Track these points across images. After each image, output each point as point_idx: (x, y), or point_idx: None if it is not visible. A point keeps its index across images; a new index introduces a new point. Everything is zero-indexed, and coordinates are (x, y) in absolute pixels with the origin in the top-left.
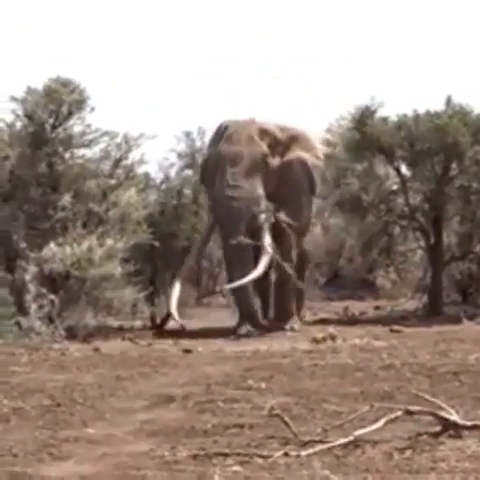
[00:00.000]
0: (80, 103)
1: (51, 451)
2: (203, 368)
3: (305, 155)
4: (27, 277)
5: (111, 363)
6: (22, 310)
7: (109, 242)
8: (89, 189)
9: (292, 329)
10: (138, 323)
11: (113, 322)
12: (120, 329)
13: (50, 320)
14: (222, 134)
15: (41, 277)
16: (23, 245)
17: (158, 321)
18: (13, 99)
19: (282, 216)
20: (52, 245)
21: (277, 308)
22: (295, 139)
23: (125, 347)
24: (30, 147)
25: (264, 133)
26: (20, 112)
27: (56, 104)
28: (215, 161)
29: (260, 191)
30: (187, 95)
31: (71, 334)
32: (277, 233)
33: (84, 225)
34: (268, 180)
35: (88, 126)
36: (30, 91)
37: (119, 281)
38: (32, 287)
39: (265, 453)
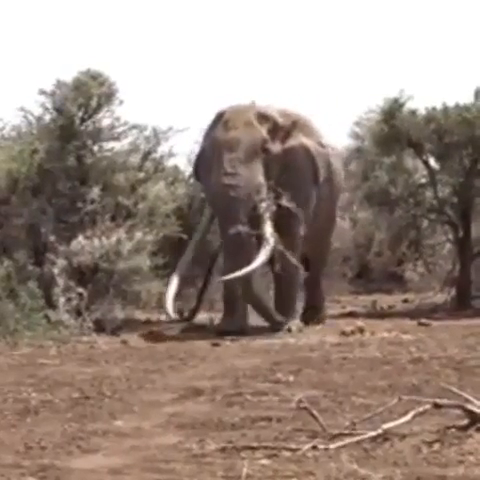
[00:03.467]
0: (109, 96)
1: (79, 444)
2: (231, 361)
3: (308, 141)
4: (55, 270)
5: (139, 356)
6: (50, 303)
7: (138, 235)
8: (118, 182)
9: (289, 330)
10: (165, 316)
11: (141, 315)
12: (147, 322)
13: (78, 313)
14: (218, 122)
15: (70, 270)
16: (52, 238)
17: (186, 315)
18: (42, 92)
19: (286, 202)
20: (81, 238)
21: (276, 304)
22: (297, 125)
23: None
24: (59, 140)
25: (263, 118)
26: (49, 105)
27: (85, 97)
28: (211, 150)
29: (261, 178)
30: (215, 88)
31: (99, 327)
32: (281, 223)
33: (113, 218)
34: (269, 168)
35: (117, 119)
36: (59, 84)
37: (147, 274)
38: (60, 280)
39: (293, 446)
